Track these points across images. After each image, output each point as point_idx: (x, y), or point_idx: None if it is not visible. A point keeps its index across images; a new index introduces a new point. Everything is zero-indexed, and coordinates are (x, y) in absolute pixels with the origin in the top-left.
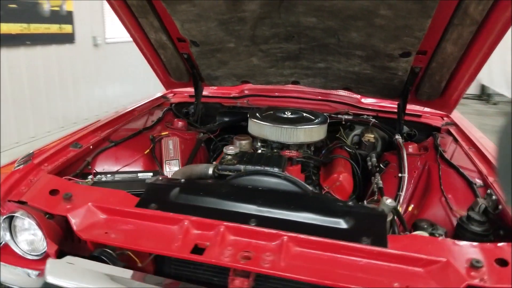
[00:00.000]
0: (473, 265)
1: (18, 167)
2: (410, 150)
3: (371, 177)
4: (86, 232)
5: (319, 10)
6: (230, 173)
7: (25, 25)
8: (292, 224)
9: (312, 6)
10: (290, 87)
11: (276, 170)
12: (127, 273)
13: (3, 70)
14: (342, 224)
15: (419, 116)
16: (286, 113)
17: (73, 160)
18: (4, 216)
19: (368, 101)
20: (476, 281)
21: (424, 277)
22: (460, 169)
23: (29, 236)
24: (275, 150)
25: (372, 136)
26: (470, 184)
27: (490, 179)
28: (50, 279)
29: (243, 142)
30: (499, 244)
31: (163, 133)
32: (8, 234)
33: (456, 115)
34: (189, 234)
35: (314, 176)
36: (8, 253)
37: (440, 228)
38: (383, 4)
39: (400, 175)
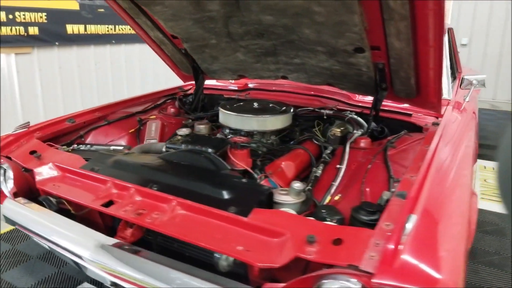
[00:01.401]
0: (308, 241)
1: (15, 132)
2: (362, 144)
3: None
4: (41, 183)
5: (270, 8)
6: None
7: (111, 26)
8: (186, 192)
9: (262, 5)
10: (289, 82)
11: (209, 150)
12: (53, 216)
13: (90, 65)
14: (224, 195)
15: (410, 115)
16: (254, 104)
17: (65, 132)
18: None
19: (366, 98)
20: (303, 254)
21: (268, 245)
22: (389, 164)
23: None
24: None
25: (339, 130)
26: (389, 178)
27: (407, 175)
28: (3, 211)
29: (201, 126)
30: (342, 226)
31: (150, 117)
32: (8, 183)
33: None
34: (109, 192)
35: (264, 161)
36: (3, 196)
37: (339, 214)
38: (313, 1)
39: (338, 166)
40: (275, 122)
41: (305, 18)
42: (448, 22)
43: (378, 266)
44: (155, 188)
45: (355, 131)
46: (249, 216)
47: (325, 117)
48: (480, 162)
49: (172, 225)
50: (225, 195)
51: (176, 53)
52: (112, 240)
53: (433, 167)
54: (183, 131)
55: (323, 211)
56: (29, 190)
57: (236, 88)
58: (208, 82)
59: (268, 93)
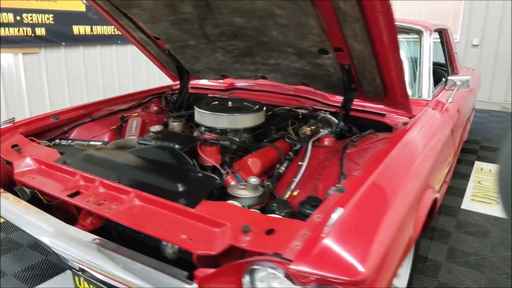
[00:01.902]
0: (243, 230)
1: (0, 127)
2: (326, 143)
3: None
4: (19, 175)
5: (238, 11)
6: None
7: None
8: (145, 185)
9: (231, 8)
10: (272, 83)
11: (176, 146)
12: (23, 205)
13: (97, 64)
14: (179, 188)
15: (383, 115)
16: (228, 103)
17: (50, 128)
18: None
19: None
20: (236, 243)
21: (210, 234)
22: (344, 162)
23: None
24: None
25: (309, 129)
26: (340, 175)
27: (356, 172)
28: None
29: (175, 124)
30: (277, 217)
31: (133, 114)
32: None
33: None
34: (77, 184)
35: (234, 157)
36: None
37: (289, 208)
38: (273, 4)
39: (299, 163)
40: (245, 120)
41: (270, 20)
42: (459, 22)
43: (297, 254)
44: (117, 181)
45: (321, 130)
46: (196, 208)
47: (300, 116)
48: (478, 164)
49: (126, 215)
50: (179, 187)
51: (160, 53)
52: (71, 228)
53: (383, 164)
54: (156, 128)
55: (274, 205)
56: (9, 181)
57: (223, 88)
58: (201, 82)
59: (251, 92)
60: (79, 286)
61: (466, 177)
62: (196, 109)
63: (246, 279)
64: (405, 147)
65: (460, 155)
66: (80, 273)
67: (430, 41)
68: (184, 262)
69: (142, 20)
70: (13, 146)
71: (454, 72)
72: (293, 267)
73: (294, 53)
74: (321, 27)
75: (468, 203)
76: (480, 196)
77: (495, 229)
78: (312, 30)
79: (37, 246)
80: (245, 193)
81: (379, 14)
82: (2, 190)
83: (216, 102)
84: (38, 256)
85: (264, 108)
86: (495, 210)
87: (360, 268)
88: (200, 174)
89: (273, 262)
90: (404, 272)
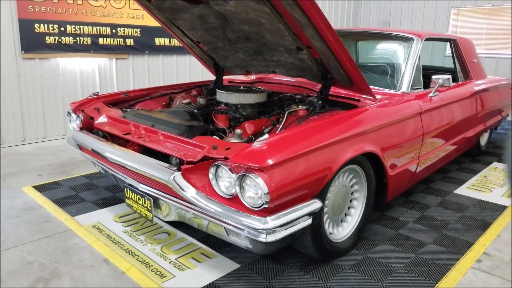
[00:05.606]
0: (213, 147)
1: (89, 97)
2: (300, 113)
3: None
4: (97, 124)
5: (243, 21)
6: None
7: None
8: (167, 128)
9: (238, 19)
10: (283, 76)
11: (195, 111)
12: (100, 141)
13: (173, 70)
14: (186, 129)
15: (359, 100)
16: (240, 87)
17: (121, 101)
18: (76, 116)
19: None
20: (207, 154)
21: (196, 151)
22: (301, 123)
23: None
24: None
25: (296, 107)
26: None
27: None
28: (74, 136)
29: (201, 99)
30: (236, 143)
31: (178, 96)
32: (79, 123)
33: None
34: (129, 129)
35: (235, 123)
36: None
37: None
38: (259, 16)
39: (278, 126)
40: (248, 98)
41: (261, 27)
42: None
43: (233, 155)
44: (152, 126)
45: (301, 106)
46: (193, 139)
47: (297, 100)
48: (496, 164)
49: (153, 143)
50: (186, 129)
51: (203, 54)
52: (123, 149)
53: (321, 122)
54: (186, 101)
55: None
56: (90, 128)
57: (250, 81)
58: (238, 77)
59: (268, 84)
60: (127, 195)
61: (475, 172)
62: (217, 90)
63: (211, 170)
64: (346, 116)
65: (481, 156)
66: (128, 186)
67: (419, 47)
68: None
69: (185, 28)
70: (95, 109)
71: (469, 78)
72: (230, 162)
73: (284, 50)
74: (291, 30)
75: (462, 190)
76: (478, 186)
77: (474, 208)
78: (285, 33)
79: (109, 188)
80: (233, 140)
81: (319, 20)
82: (86, 132)
83: (230, 87)
84: (108, 193)
85: (266, 92)
86: (485, 196)
87: (268, 161)
88: (201, 124)
89: (224, 161)
90: (357, 214)
